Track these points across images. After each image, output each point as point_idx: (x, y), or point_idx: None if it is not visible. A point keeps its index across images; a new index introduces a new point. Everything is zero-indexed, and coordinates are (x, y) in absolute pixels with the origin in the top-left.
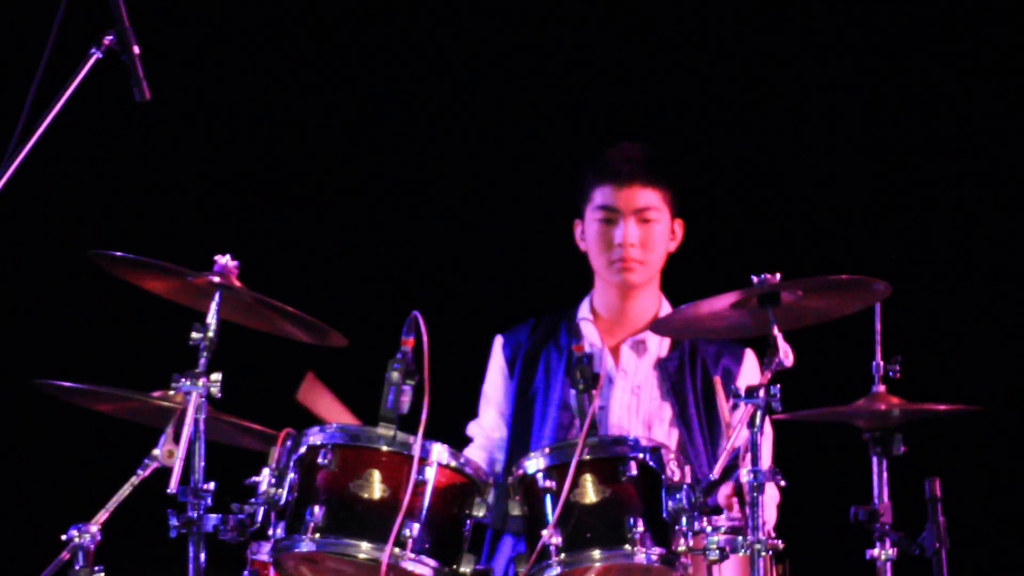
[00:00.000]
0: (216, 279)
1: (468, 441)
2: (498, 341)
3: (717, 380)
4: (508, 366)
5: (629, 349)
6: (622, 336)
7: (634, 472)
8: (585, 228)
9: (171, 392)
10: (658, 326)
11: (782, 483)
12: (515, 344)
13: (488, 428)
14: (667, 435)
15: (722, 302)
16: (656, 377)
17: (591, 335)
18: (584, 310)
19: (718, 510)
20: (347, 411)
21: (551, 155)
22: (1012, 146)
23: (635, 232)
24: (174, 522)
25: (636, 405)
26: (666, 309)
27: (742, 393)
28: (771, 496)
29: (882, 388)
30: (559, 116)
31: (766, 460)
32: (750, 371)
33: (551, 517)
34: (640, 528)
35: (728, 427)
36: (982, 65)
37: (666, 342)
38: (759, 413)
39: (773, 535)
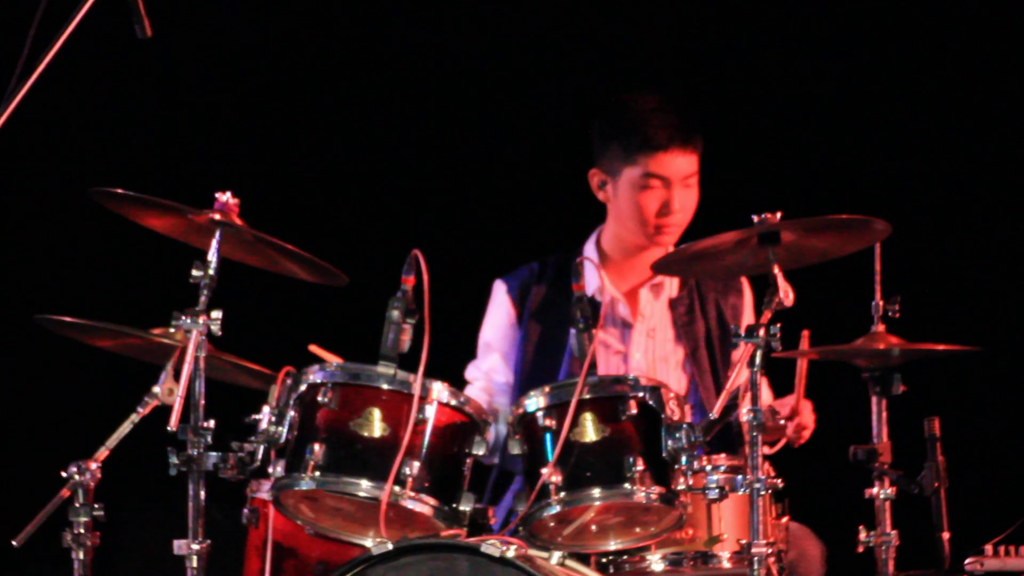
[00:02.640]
0: (217, 216)
1: (466, 383)
2: (501, 287)
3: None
4: (516, 312)
5: (648, 292)
6: (635, 280)
7: (634, 411)
8: (619, 187)
9: (171, 330)
10: (659, 265)
11: (781, 423)
12: (522, 289)
13: (490, 371)
14: (679, 377)
15: (723, 240)
16: (669, 318)
17: (591, 276)
18: (590, 250)
19: (718, 449)
20: None
21: (556, 96)
22: (1016, 83)
23: (681, 200)
24: (174, 460)
25: (652, 348)
26: (671, 251)
27: (742, 332)
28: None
29: (881, 328)
30: (565, 56)
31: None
32: (751, 300)
33: (551, 456)
34: (639, 467)
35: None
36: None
37: (675, 282)
38: (759, 352)
39: (772, 473)
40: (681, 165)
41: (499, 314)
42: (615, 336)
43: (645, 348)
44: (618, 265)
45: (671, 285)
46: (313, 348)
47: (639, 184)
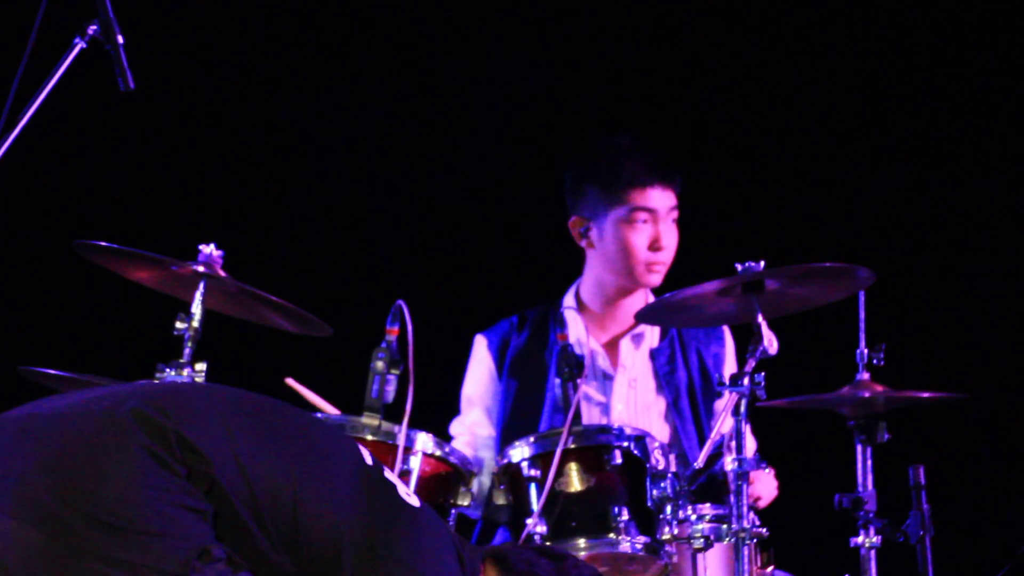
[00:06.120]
0: (200, 269)
1: (451, 439)
2: (481, 341)
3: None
4: (496, 366)
5: (629, 343)
6: (616, 331)
7: (619, 461)
8: (605, 229)
9: (156, 382)
10: (643, 314)
11: (767, 471)
12: (501, 344)
13: (473, 426)
14: (662, 427)
15: (707, 289)
16: (650, 368)
17: (576, 327)
18: (569, 300)
19: (703, 498)
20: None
21: (535, 149)
22: (997, 134)
23: (667, 235)
24: None
25: (634, 398)
26: (651, 299)
27: (726, 381)
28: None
29: (866, 376)
30: (543, 110)
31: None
32: (732, 348)
33: (536, 506)
34: (625, 517)
35: None
36: (965, 52)
37: (656, 331)
38: (743, 401)
39: (757, 522)
40: (667, 198)
41: (480, 369)
42: (595, 387)
43: (627, 399)
44: (597, 316)
45: (652, 335)
46: (290, 382)
47: (627, 220)
